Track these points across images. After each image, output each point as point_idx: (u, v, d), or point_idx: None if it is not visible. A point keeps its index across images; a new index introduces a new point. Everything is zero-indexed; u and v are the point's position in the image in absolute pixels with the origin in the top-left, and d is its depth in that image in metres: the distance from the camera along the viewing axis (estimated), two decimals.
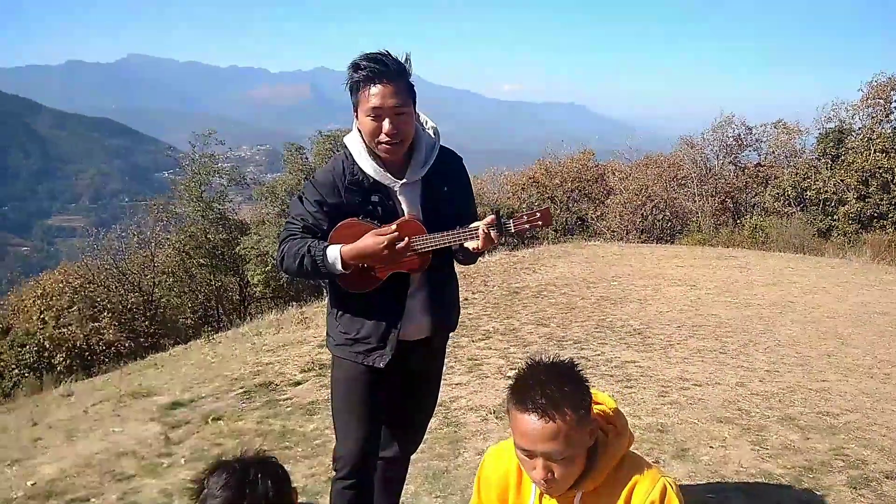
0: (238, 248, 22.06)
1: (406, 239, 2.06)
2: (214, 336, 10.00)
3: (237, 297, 24.45)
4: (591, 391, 1.64)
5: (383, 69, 2.01)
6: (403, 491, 2.82)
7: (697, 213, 25.93)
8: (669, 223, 26.89)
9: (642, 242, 20.61)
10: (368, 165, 2.12)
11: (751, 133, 26.47)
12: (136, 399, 5.40)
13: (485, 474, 1.82)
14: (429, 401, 2.46)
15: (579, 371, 1.59)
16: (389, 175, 2.14)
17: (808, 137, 25.29)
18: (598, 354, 5.23)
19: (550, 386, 1.52)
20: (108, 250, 22.73)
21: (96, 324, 19.72)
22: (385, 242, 2.03)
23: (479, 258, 2.27)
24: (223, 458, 1.55)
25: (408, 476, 3.15)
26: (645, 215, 26.30)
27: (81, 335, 19.12)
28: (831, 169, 23.29)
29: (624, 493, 1.63)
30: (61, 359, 18.16)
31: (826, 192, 22.97)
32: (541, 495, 1.70)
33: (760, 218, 22.45)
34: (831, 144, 23.55)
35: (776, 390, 4.27)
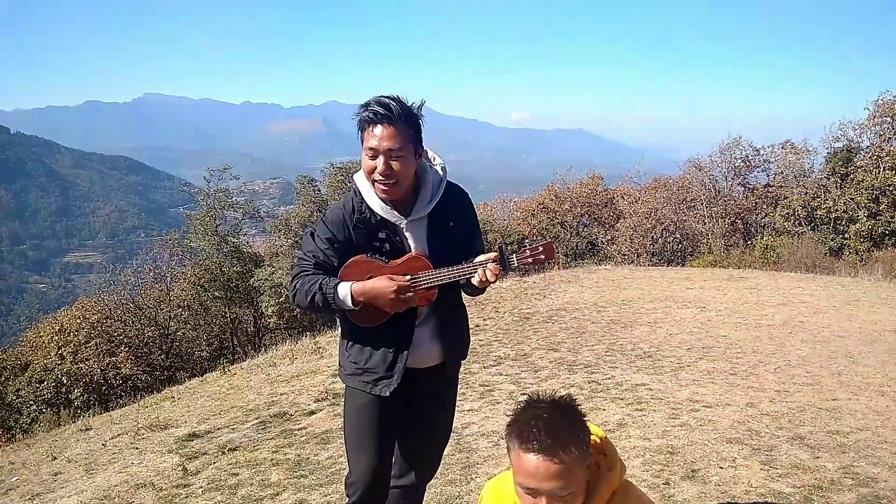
0: (252, 280, 22.29)
1: (415, 285, 2.16)
2: (230, 368, 10.11)
3: (252, 328, 24.61)
4: None
5: (386, 112, 2.12)
6: None
7: (707, 234, 25.90)
8: (680, 245, 26.86)
9: (653, 265, 20.61)
10: (376, 203, 2.23)
11: (759, 154, 26.54)
12: (153, 431, 5.49)
13: None
14: (442, 430, 2.50)
15: (578, 407, 1.63)
16: (395, 213, 2.23)
17: (817, 157, 25.32)
18: (609, 378, 5.26)
19: (553, 424, 1.56)
20: (124, 285, 23.07)
21: (113, 358, 19.91)
22: (395, 288, 2.13)
23: (488, 288, 2.34)
24: None
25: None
26: (655, 238, 26.31)
27: (98, 370, 19.30)
28: (841, 188, 23.25)
29: None
30: (79, 393, 18.34)
31: (836, 210, 22.89)
32: None
33: (771, 238, 22.38)
34: (840, 163, 23.54)
35: (786, 410, 4.28)
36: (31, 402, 18.13)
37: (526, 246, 2.24)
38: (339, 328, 2.40)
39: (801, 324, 6.96)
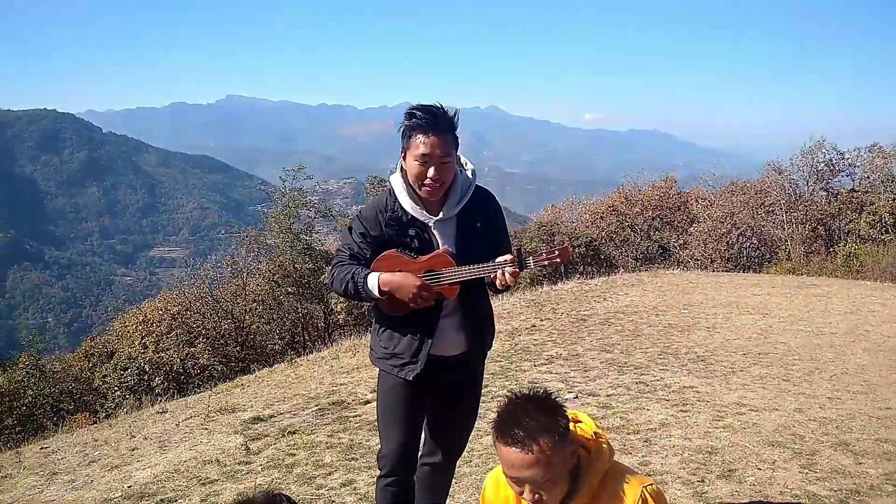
0: (323, 277, 22.97)
1: (437, 283, 2.35)
2: (296, 359, 10.58)
3: (322, 324, 25.35)
4: (571, 412, 1.83)
5: (434, 121, 2.32)
6: (456, 499, 3.06)
7: (787, 240, 24.88)
8: (757, 252, 25.89)
9: (727, 271, 20.00)
10: (407, 203, 2.43)
11: (843, 158, 25.26)
12: (222, 414, 5.90)
13: (487, 497, 2.02)
14: (466, 415, 2.67)
15: (554, 399, 1.76)
16: (425, 213, 2.44)
17: None
18: (658, 380, 5.29)
19: (526, 419, 1.69)
20: (203, 279, 24.21)
21: (192, 349, 20.95)
22: (418, 285, 2.33)
23: (512, 288, 2.50)
24: (242, 497, 1.74)
25: (460, 486, 3.40)
26: (730, 243, 25.46)
27: (178, 359, 20.36)
28: None
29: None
30: (159, 381, 19.35)
31: None
32: None
33: (855, 245, 21.31)
34: None
35: (835, 417, 4.22)
36: (115, 388, 19.26)
37: (542, 250, 2.40)
38: (373, 316, 2.61)
39: (866, 333, 6.73)
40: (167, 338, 20.88)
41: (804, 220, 24.81)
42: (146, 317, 21.86)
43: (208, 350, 21.27)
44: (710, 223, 25.89)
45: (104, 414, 16.85)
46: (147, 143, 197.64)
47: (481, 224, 2.49)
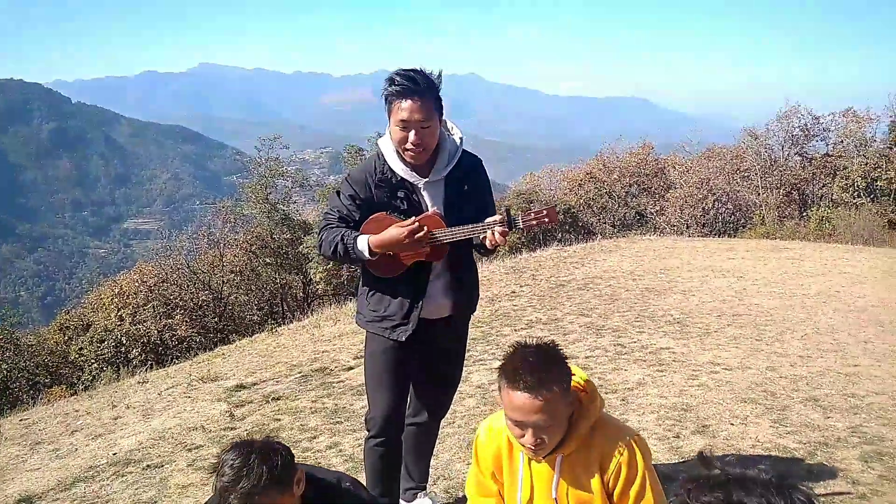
0: (301, 247, 22.86)
1: (424, 228, 2.36)
2: (277, 328, 10.58)
3: (301, 294, 25.30)
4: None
5: (414, 86, 2.32)
6: (440, 459, 3.13)
7: (761, 205, 25.23)
8: (732, 217, 26.24)
9: (703, 236, 20.29)
10: (397, 165, 2.45)
11: (818, 123, 25.58)
12: (204, 383, 5.90)
13: (481, 445, 2.09)
14: (452, 375, 2.75)
15: (561, 351, 1.84)
16: (414, 174, 2.45)
17: (880, 125, 24.25)
18: (635, 342, 5.40)
19: (537, 367, 1.76)
20: (180, 251, 23.99)
21: (169, 320, 20.83)
22: (406, 232, 2.34)
23: (498, 250, 2.54)
24: (239, 440, 1.83)
25: (444, 446, 3.47)
26: (706, 209, 25.76)
27: (156, 331, 20.25)
28: None
29: (598, 453, 1.88)
30: (137, 353, 19.25)
31: None
32: (529, 461, 1.96)
33: (828, 210, 21.71)
34: None
35: (805, 374, 4.36)
36: (92, 361, 19.13)
37: (531, 209, 2.43)
38: (360, 280, 2.63)
39: (837, 294, 6.90)
40: (144, 310, 20.74)
41: (779, 185, 25.16)
42: (122, 289, 21.65)
43: (186, 321, 21.18)
44: (687, 189, 26.16)
45: (81, 387, 16.77)
46: (118, 114, 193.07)
47: (469, 187, 2.51)
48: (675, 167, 28.43)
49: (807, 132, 25.77)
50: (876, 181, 22.55)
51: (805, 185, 25.50)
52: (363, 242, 2.38)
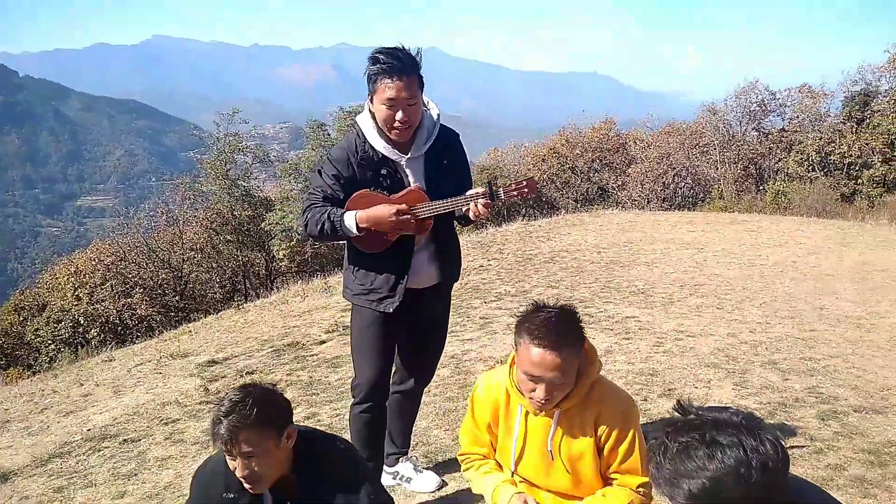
0: (263, 224, 22.57)
1: (412, 210, 2.41)
2: (244, 305, 10.51)
3: (263, 271, 25.02)
4: None
5: (399, 65, 2.34)
6: (418, 426, 3.21)
7: (719, 180, 25.79)
8: (691, 191, 26.79)
9: (664, 211, 20.70)
10: (378, 143, 2.47)
11: (775, 98, 26.14)
12: (174, 360, 5.87)
13: (478, 397, 2.16)
14: (437, 342, 2.82)
15: (578, 315, 1.94)
16: (396, 151, 2.48)
17: (834, 101, 24.92)
18: (601, 311, 5.55)
19: (559, 327, 1.85)
20: (137, 228, 23.42)
21: (128, 299, 20.41)
22: (393, 210, 2.39)
23: (479, 221, 2.59)
24: (249, 383, 1.93)
25: (422, 414, 3.54)
26: (666, 184, 26.22)
27: (114, 310, 19.84)
28: (856, 132, 22.96)
29: (594, 411, 1.98)
30: (95, 333, 18.85)
31: (851, 156, 22.66)
32: (526, 414, 2.04)
33: (783, 183, 22.33)
34: (857, 108, 23.20)
35: (764, 339, 4.56)
36: (49, 342, 18.71)
37: (512, 182, 2.49)
38: (345, 256, 2.66)
39: (794, 264, 7.18)
40: (101, 289, 20.28)
41: (736, 160, 25.74)
42: (78, 268, 21.12)
43: (146, 300, 20.80)
44: (647, 164, 26.56)
45: (39, 368, 16.39)
46: (69, 88, 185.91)
47: (448, 162, 2.56)
48: (636, 142, 28.82)
49: (764, 108, 26.34)
50: (829, 155, 23.26)
51: (762, 160, 26.12)
52: (350, 219, 2.41)
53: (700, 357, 4.24)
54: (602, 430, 1.98)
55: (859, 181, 22.46)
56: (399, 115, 2.37)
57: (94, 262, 21.47)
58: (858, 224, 11.18)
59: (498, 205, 2.43)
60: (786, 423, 3.27)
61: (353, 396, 2.65)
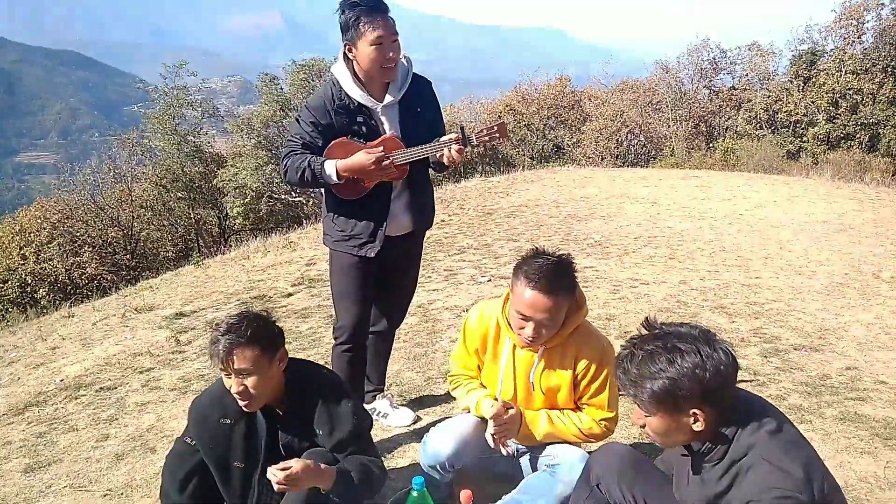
0: (215, 180, 22.09)
1: (390, 158, 2.50)
2: (204, 261, 10.42)
3: (216, 229, 24.60)
4: None
5: (378, 4, 2.44)
6: (391, 369, 3.36)
7: (671, 137, 26.36)
8: (644, 148, 27.30)
9: (617, 167, 21.11)
10: (355, 91, 2.55)
11: (725, 56, 26.64)
12: (140, 313, 5.87)
13: (470, 325, 2.33)
14: (410, 285, 2.98)
15: (573, 265, 2.12)
16: (372, 99, 2.56)
17: (782, 60, 25.57)
18: None
19: (555, 273, 2.03)
20: (84, 185, 22.60)
21: (77, 258, 19.83)
22: (373, 159, 2.48)
23: (450, 169, 2.71)
24: (245, 309, 2.07)
25: (394, 358, 3.70)
26: (620, 141, 26.63)
27: (63, 269, 19.30)
28: (803, 91, 23.66)
29: (575, 349, 2.18)
30: (44, 293, 18.35)
31: (797, 114, 23.40)
32: (514, 347, 2.23)
33: (732, 141, 22.97)
34: (804, 66, 23.83)
35: (713, 286, 4.85)
36: None
37: (484, 126, 2.60)
38: (324, 204, 2.74)
39: (741, 216, 7.54)
40: (48, 247, 19.67)
41: (688, 118, 26.27)
42: (22, 226, 20.39)
43: (96, 259, 20.27)
44: (602, 122, 26.88)
45: None
46: (2, 37, 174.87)
47: (422, 109, 2.65)
48: (590, 99, 29.07)
49: (715, 65, 26.84)
50: (777, 114, 23.93)
51: (712, 118, 26.73)
52: (331, 167, 2.50)
53: (653, 303, 4.50)
54: (580, 366, 2.18)
55: (804, 139, 23.24)
56: (390, 52, 2.46)
57: (39, 220, 20.70)
58: (802, 180, 11.69)
59: (470, 150, 2.54)
60: None
61: (336, 338, 2.77)
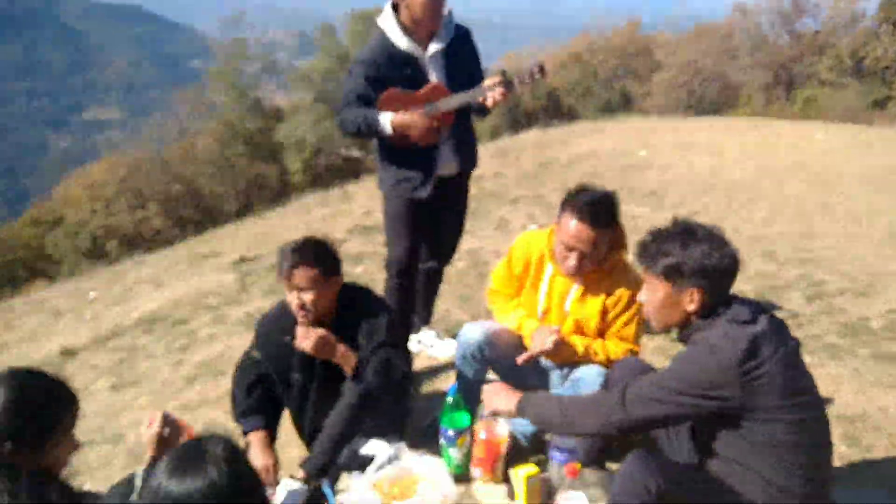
0: (275, 135, 22.42)
1: (436, 116, 2.66)
2: (265, 213, 10.80)
3: (277, 184, 25.10)
4: None
5: None
6: (439, 308, 3.55)
7: (749, 86, 24.96)
8: (718, 97, 25.86)
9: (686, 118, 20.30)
10: (401, 41, 2.71)
11: None
12: (206, 259, 6.21)
13: (515, 250, 2.52)
14: (458, 223, 3.15)
15: (617, 202, 2.29)
16: (417, 47, 2.72)
17: (870, 2, 23.71)
18: None
19: (600, 207, 2.21)
20: (149, 141, 23.38)
21: (144, 212, 20.67)
22: (427, 127, 2.66)
23: (492, 111, 2.83)
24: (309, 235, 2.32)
25: (443, 299, 3.87)
26: (693, 91, 25.39)
27: (130, 223, 20.17)
28: (893, 35, 21.86)
29: (609, 284, 2.32)
30: (113, 246, 19.28)
31: (886, 60, 21.66)
32: (554, 275, 2.39)
33: (814, 89, 21.67)
34: (894, 9, 21.99)
35: (767, 234, 4.81)
36: (70, 253, 19.16)
37: (524, 70, 2.68)
38: (377, 151, 2.92)
39: (807, 165, 7.27)
40: (116, 202, 20.57)
41: (767, 65, 24.82)
42: (92, 181, 21.35)
43: (161, 213, 21.04)
44: (673, 71, 25.68)
45: (60, 281, 16.85)
46: None
47: (463, 57, 2.80)
48: (662, 47, 27.78)
49: (797, 8, 25.08)
50: (864, 60, 22.25)
51: (792, 65, 25.12)
52: (385, 120, 2.68)
53: None
54: (611, 300, 2.32)
55: (893, 87, 21.60)
56: (432, 2, 2.60)
57: (107, 175, 21.56)
58: (882, 130, 11.09)
59: (514, 93, 2.66)
60: (774, 302, 3.55)
61: (388, 271, 2.98)
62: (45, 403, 1.49)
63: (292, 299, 2.19)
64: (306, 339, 2.13)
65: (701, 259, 1.78)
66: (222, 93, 23.25)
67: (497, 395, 2.09)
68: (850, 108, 18.31)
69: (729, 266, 1.83)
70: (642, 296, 1.90)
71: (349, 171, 21.28)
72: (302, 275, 2.14)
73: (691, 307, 1.80)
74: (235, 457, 1.21)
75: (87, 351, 3.75)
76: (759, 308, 1.83)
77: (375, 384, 2.16)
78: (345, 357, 2.17)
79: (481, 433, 2.23)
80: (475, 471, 2.28)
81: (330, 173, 22.39)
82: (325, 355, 2.16)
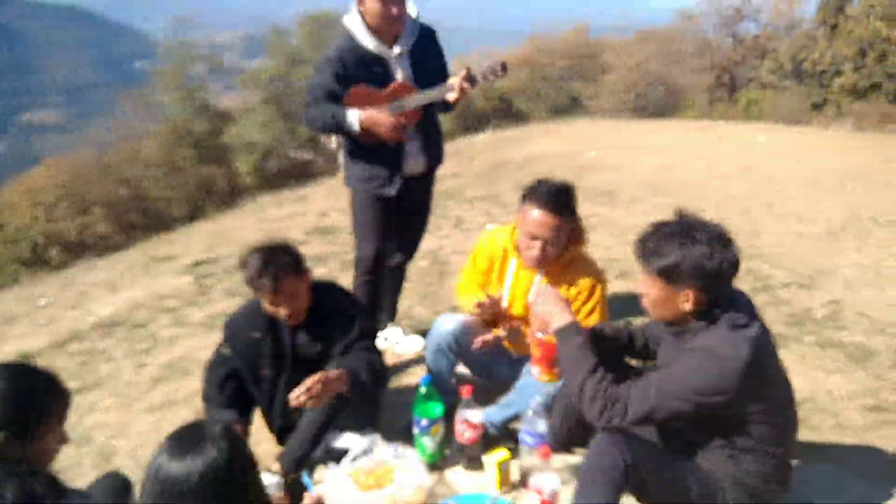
0: (223, 137, 22.00)
1: (403, 115, 2.72)
2: (217, 216, 10.61)
3: (226, 187, 24.54)
4: None
5: None
6: (403, 304, 3.59)
7: (693, 89, 25.66)
8: (664, 100, 26.55)
9: (635, 120, 20.80)
10: (369, 41, 2.77)
11: (749, 2, 25.65)
12: (161, 262, 6.07)
13: (480, 247, 2.61)
14: (423, 221, 3.22)
15: (574, 191, 2.41)
16: (384, 48, 2.78)
17: (808, 6, 24.58)
18: None
19: (559, 196, 2.33)
20: (91, 144, 22.61)
21: (87, 217, 19.94)
22: (394, 123, 2.71)
23: (456, 107, 2.90)
24: (260, 245, 2.31)
25: (406, 295, 3.91)
26: (639, 93, 25.98)
27: (73, 230, 19.42)
28: (829, 39, 22.70)
29: (571, 275, 2.44)
30: (56, 253, 18.51)
31: (823, 63, 22.49)
32: (518, 270, 2.49)
33: (756, 92, 22.37)
34: (831, 13, 22.82)
35: None
36: (9, 263, 18.36)
37: (488, 66, 2.77)
38: (344, 148, 2.94)
39: (752, 167, 7.57)
40: (58, 208, 19.81)
41: (710, 68, 25.55)
42: (31, 186, 20.52)
43: (106, 218, 20.37)
44: (620, 73, 26.24)
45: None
46: None
47: (429, 56, 2.86)
48: (610, 49, 28.35)
49: (739, 12, 25.88)
50: (803, 63, 23.04)
51: (735, 68, 25.88)
52: (353, 117, 2.71)
53: None
54: (573, 290, 2.43)
55: (830, 89, 22.42)
56: (394, 9, 2.63)
57: (48, 180, 20.71)
58: (821, 131, 11.62)
59: (476, 88, 2.75)
60: None
61: (357, 269, 3.02)
62: (38, 393, 1.50)
63: (281, 310, 2.23)
64: (312, 392, 2.09)
65: (699, 261, 1.75)
66: (168, 94, 22.65)
67: (556, 303, 2.01)
68: (791, 109, 19.02)
69: (727, 269, 1.80)
70: (640, 288, 1.90)
71: (299, 173, 21.06)
72: (288, 284, 2.21)
73: (687, 307, 1.80)
74: (233, 437, 1.24)
75: (45, 355, 3.65)
76: (752, 309, 1.88)
77: (368, 383, 2.23)
78: (339, 378, 2.17)
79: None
80: (534, 369, 2.19)
81: (280, 176, 22.07)
82: (326, 395, 2.13)
